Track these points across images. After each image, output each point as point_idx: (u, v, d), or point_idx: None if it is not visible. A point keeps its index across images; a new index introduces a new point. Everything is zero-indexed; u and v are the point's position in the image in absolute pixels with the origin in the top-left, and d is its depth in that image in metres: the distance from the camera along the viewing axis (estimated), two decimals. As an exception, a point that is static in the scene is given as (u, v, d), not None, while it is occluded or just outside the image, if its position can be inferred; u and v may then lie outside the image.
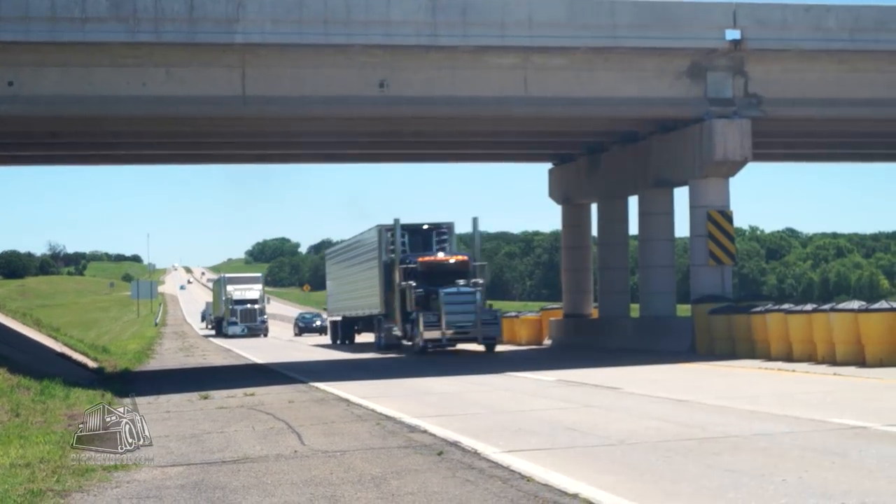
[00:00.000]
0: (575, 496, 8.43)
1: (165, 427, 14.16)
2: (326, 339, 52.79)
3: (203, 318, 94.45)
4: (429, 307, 33.49)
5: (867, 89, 28.30)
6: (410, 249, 36.46)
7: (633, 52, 26.82)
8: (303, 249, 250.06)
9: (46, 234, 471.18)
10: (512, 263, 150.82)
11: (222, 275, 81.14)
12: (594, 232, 37.86)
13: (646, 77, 27.52)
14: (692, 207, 28.80)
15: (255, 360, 35.30)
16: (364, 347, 40.64)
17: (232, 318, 67.64)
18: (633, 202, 33.88)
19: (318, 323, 68.80)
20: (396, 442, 11.95)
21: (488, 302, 35.07)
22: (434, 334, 32.83)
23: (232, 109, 25.94)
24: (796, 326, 23.02)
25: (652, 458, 10.17)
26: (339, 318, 47.45)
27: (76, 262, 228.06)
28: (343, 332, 46.65)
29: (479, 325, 32.82)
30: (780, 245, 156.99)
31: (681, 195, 30.71)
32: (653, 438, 11.47)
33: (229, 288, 70.42)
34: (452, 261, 35.19)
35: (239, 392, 19.44)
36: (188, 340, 57.84)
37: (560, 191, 38.17)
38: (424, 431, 12.71)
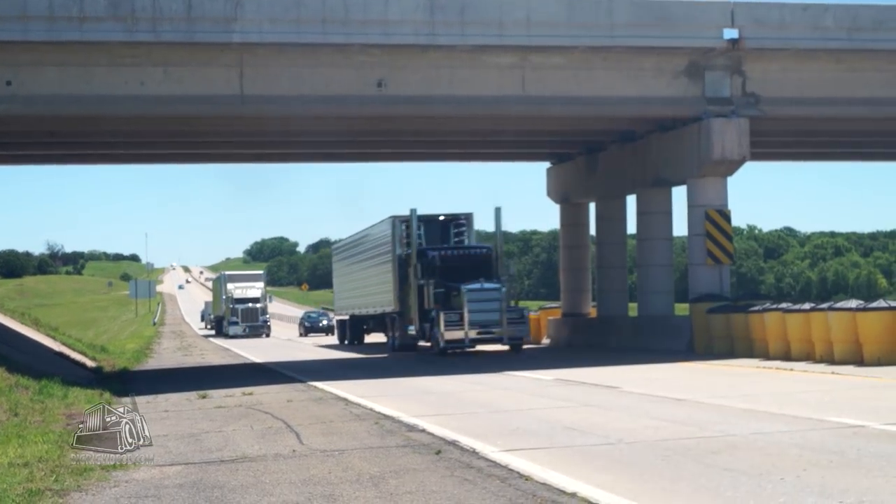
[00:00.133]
0: (573, 495, 8.42)
1: (164, 426, 14.15)
2: (333, 340, 50.56)
3: (202, 318, 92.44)
4: (450, 305, 31.01)
5: (865, 88, 28.32)
6: (426, 242, 33.85)
7: (631, 52, 26.84)
8: (301, 249, 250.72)
9: (45, 234, 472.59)
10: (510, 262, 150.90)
11: (222, 272, 78.20)
12: (592, 231, 37.89)
13: (644, 76, 27.53)
14: (690, 206, 28.83)
15: (253, 359, 35.25)
16: (374, 348, 38.63)
17: (233, 318, 64.95)
18: (632, 201, 33.88)
19: (325, 322, 65.43)
20: (395, 441, 11.95)
21: (512, 300, 32.84)
22: (456, 335, 30.24)
23: (230, 109, 25.95)
24: (794, 325, 23.02)
25: (650, 457, 10.17)
26: (346, 318, 44.74)
27: (74, 262, 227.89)
28: (351, 332, 43.94)
29: (506, 325, 30.45)
30: (778, 244, 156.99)
31: (679, 194, 30.83)
32: (651, 437, 11.48)
33: (230, 286, 67.38)
34: (474, 254, 32.77)
35: (237, 391, 19.44)
36: (186, 340, 57.74)
37: (558, 190, 38.16)
38: (423, 430, 12.71)
